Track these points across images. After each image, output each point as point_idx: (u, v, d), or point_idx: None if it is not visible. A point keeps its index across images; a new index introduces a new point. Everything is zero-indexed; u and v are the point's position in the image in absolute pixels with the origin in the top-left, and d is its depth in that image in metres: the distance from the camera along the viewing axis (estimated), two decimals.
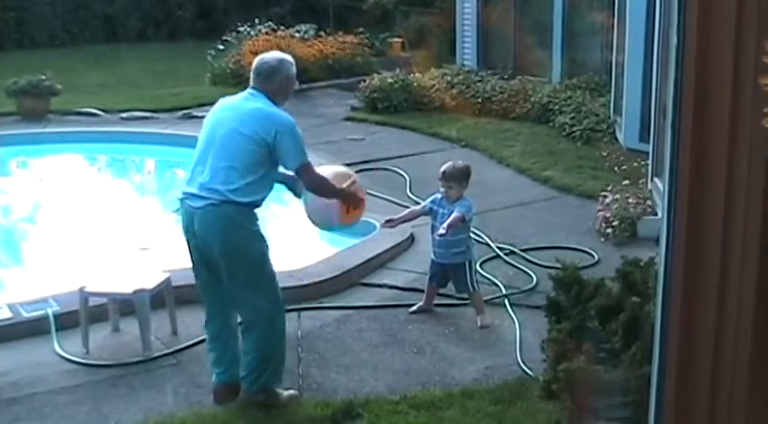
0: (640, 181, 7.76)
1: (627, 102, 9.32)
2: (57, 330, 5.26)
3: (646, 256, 4.28)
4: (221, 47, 15.11)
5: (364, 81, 12.64)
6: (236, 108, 4.39)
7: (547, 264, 6.08)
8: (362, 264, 6.33)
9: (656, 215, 6.76)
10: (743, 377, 2.34)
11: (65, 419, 4.43)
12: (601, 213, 7.10)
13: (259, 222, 4.36)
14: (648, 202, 7.09)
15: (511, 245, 6.78)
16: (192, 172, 4.36)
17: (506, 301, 5.80)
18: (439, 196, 5.58)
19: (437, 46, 15.63)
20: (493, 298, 5.82)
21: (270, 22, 15.45)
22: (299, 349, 5.15)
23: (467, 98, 12.09)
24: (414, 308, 5.66)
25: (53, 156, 11.14)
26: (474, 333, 5.38)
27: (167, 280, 5.31)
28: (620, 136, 9.61)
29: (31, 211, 9.26)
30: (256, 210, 4.35)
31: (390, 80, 12.27)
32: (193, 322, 4.76)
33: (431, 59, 14.22)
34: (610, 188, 7.45)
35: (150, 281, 5.22)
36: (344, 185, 4.72)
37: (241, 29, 15.38)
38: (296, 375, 4.82)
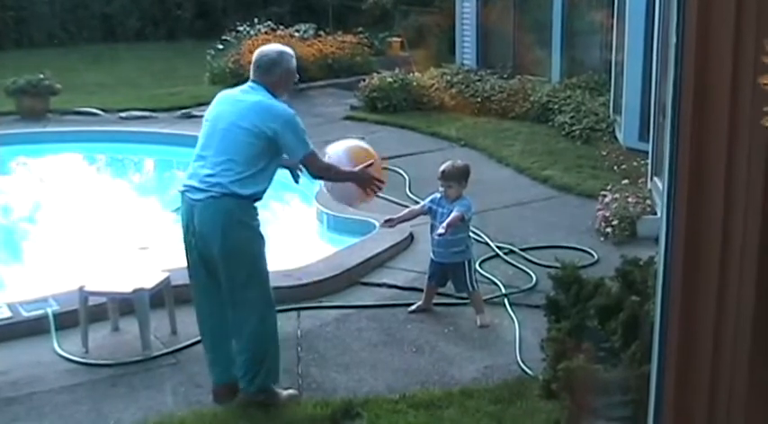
0: (640, 181, 7.76)
1: (626, 101, 9.32)
2: (56, 329, 5.26)
3: (645, 255, 4.28)
4: (221, 46, 15.11)
5: (364, 80, 12.63)
6: (236, 101, 4.40)
7: (546, 263, 6.07)
8: (362, 263, 6.32)
9: (655, 214, 6.76)
10: (742, 376, 2.34)
11: (64, 419, 4.43)
12: (600, 212, 7.10)
13: (259, 217, 4.36)
14: (648, 201, 7.09)
15: (510, 244, 6.78)
16: (193, 166, 4.36)
17: (506, 300, 5.80)
18: (438, 195, 5.58)
19: (436, 45, 15.62)
20: (492, 297, 5.82)
21: (269, 22, 15.44)
22: (299, 349, 5.15)
23: (466, 97, 12.08)
24: (413, 307, 5.66)
25: (52, 156, 11.14)
26: (473, 332, 5.38)
27: (167, 280, 5.31)
28: (620, 136, 9.61)
29: (30, 210, 9.26)
30: (257, 204, 4.35)
31: (390, 79, 12.26)
32: (193, 322, 4.76)
33: (430, 59, 14.21)
34: (609, 187, 7.45)
35: (150, 281, 5.22)
36: (358, 166, 4.71)
37: (240, 28, 15.37)
38: (295, 375, 4.82)
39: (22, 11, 19.89)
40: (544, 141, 10.18)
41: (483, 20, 13.61)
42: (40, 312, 5.38)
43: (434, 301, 5.70)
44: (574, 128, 10.22)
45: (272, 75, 4.41)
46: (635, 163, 8.28)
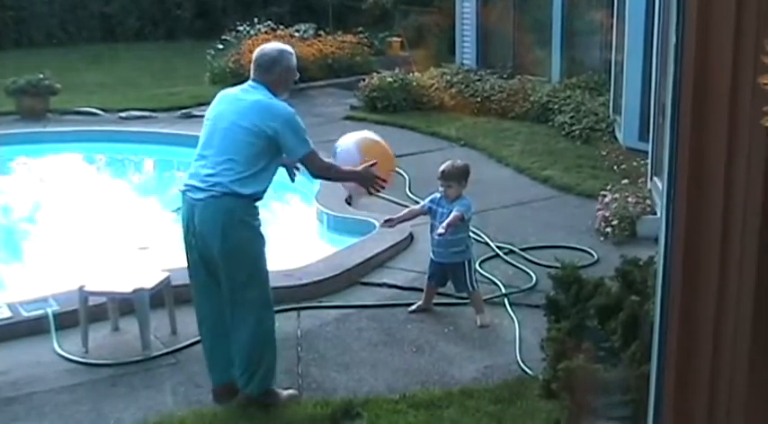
0: (640, 180, 7.76)
1: (626, 101, 9.31)
2: (56, 329, 5.26)
3: (645, 255, 4.28)
4: (220, 46, 15.11)
5: (363, 80, 12.63)
6: (237, 100, 4.39)
7: (546, 263, 6.08)
8: (362, 263, 6.32)
9: (655, 214, 6.76)
10: (742, 376, 2.34)
11: (64, 419, 4.43)
12: (600, 212, 7.10)
13: (260, 217, 4.36)
14: (648, 201, 7.09)
15: (510, 244, 6.78)
16: (194, 165, 4.36)
17: (506, 300, 5.80)
18: (438, 195, 5.57)
19: (436, 45, 15.62)
20: (492, 297, 5.82)
21: (269, 22, 15.43)
22: (299, 349, 5.15)
23: (466, 97, 12.08)
24: (413, 307, 5.66)
25: (52, 156, 11.14)
26: (473, 332, 5.38)
27: (167, 280, 5.31)
28: (620, 136, 9.61)
29: (30, 210, 9.26)
30: (258, 203, 4.35)
31: (390, 79, 12.26)
32: (193, 322, 4.76)
33: (430, 58, 14.21)
34: (609, 187, 7.45)
35: (150, 280, 5.22)
36: (368, 161, 4.71)
37: (240, 28, 15.37)
38: (295, 375, 4.82)
39: (21, 11, 19.88)
40: (544, 141, 10.18)
41: (483, 20, 13.61)
42: (40, 312, 5.38)
43: (434, 301, 5.70)
44: (574, 127, 10.22)
45: (272, 74, 4.40)
46: (635, 163, 8.28)
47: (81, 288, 5.15)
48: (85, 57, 17.67)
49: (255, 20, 15.60)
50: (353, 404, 4.40)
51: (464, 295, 5.62)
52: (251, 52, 14.65)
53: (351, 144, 4.88)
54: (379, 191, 4.76)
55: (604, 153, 9.15)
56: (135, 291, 5.09)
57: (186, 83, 14.56)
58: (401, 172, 8.86)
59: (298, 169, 4.67)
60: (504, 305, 5.72)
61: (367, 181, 4.70)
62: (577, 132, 10.12)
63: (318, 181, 8.17)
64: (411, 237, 6.86)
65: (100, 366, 4.96)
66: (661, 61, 7.38)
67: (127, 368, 4.93)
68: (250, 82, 4.44)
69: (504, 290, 5.93)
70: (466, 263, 5.53)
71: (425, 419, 4.26)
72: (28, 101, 12.02)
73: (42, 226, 8.57)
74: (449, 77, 12.64)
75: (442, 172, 5.53)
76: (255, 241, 4.34)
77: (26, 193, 9.82)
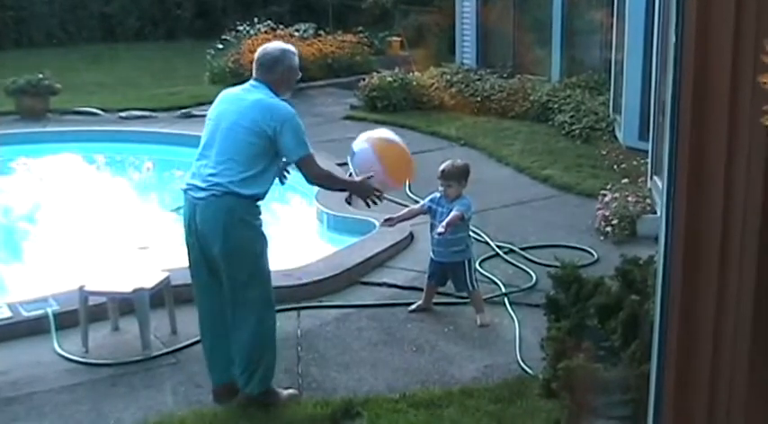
0: (640, 180, 7.76)
1: (626, 101, 9.31)
2: (56, 329, 5.26)
3: (645, 254, 4.28)
4: (220, 46, 15.11)
5: (363, 80, 12.63)
6: (238, 100, 4.39)
7: (546, 263, 6.08)
8: (362, 263, 6.32)
9: (655, 213, 6.76)
10: (742, 376, 2.34)
11: (64, 419, 4.43)
12: (600, 211, 7.10)
13: (261, 216, 4.36)
14: (648, 200, 7.09)
15: (510, 244, 6.78)
16: (196, 165, 4.36)
17: (506, 299, 5.80)
18: (438, 194, 5.57)
19: (436, 44, 15.63)
20: (492, 297, 5.82)
21: (269, 21, 15.44)
22: (299, 348, 5.15)
23: (466, 97, 12.08)
24: (413, 307, 5.66)
25: (52, 156, 11.13)
26: (473, 332, 5.38)
27: (167, 279, 5.31)
28: (620, 135, 9.61)
29: (30, 210, 9.26)
30: (259, 203, 4.35)
31: (389, 79, 12.26)
32: (193, 322, 4.76)
33: (430, 58, 14.21)
34: (609, 186, 7.45)
35: (150, 280, 5.22)
36: (385, 164, 4.70)
37: (240, 28, 15.38)
38: (295, 374, 4.82)
39: (21, 11, 19.89)
40: (544, 140, 10.18)
41: (483, 19, 13.61)
42: (40, 312, 5.38)
43: (434, 300, 5.70)
44: (574, 127, 10.22)
45: (274, 74, 4.40)
46: (635, 163, 8.28)
47: (81, 288, 5.15)
48: (85, 57, 17.67)
49: (255, 19, 15.61)
50: (353, 404, 4.40)
51: (464, 294, 5.62)
52: (251, 52, 14.58)
53: (367, 146, 4.80)
54: (376, 204, 4.72)
55: (604, 152, 9.15)
56: (135, 291, 5.09)
57: (186, 83, 14.56)
58: None
59: (288, 172, 4.64)
60: (504, 305, 5.72)
61: (364, 192, 4.66)
62: (577, 131, 10.12)
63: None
64: (411, 237, 6.86)
65: (100, 365, 4.96)
66: (661, 60, 7.38)
67: (127, 368, 4.93)
68: (252, 81, 4.43)
69: (504, 289, 5.93)
70: (466, 263, 5.53)
71: (425, 419, 4.26)
72: (28, 101, 12.01)
73: (42, 226, 8.57)
74: (449, 77, 12.64)
75: (442, 171, 5.53)
76: (256, 240, 4.34)
77: (26, 193, 9.82)
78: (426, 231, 5.84)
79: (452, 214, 5.34)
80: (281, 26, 15.20)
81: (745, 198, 2.24)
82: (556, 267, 4.63)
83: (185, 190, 4.35)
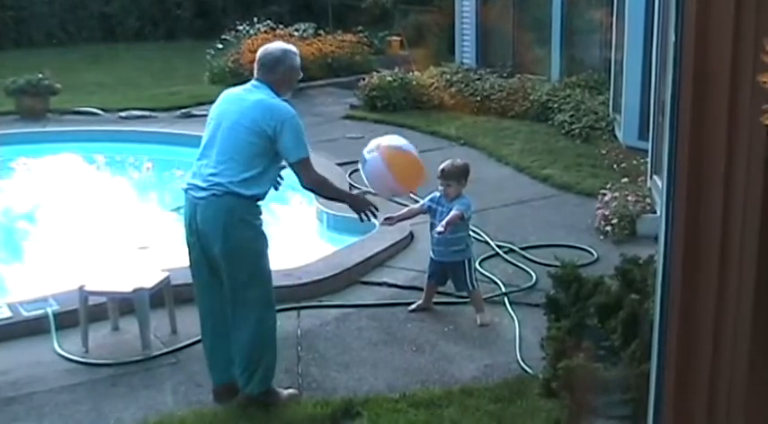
0: (639, 179, 7.75)
1: (626, 100, 9.31)
2: (56, 329, 5.26)
3: (645, 254, 4.28)
4: (220, 46, 15.11)
5: (363, 79, 12.63)
6: (239, 100, 4.39)
7: (546, 262, 6.08)
8: (362, 262, 6.32)
9: (655, 212, 6.75)
10: (742, 375, 2.34)
11: (64, 419, 4.43)
12: (600, 211, 7.10)
13: (262, 216, 4.36)
14: (648, 200, 7.09)
15: (510, 243, 6.78)
16: (197, 164, 4.37)
17: (506, 299, 5.79)
18: (438, 194, 5.57)
19: (436, 44, 15.62)
20: (492, 296, 5.82)
21: (268, 21, 15.44)
22: (299, 348, 5.14)
23: (466, 96, 12.08)
24: (413, 306, 5.66)
25: (52, 156, 11.13)
26: (473, 331, 5.38)
27: (167, 279, 5.31)
28: (620, 134, 9.61)
29: (30, 210, 9.25)
30: (260, 203, 4.35)
31: (389, 78, 12.26)
32: (193, 321, 4.76)
33: (430, 58, 14.20)
34: (609, 186, 7.45)
35: (149, 280, 5.22)
36: (397, 173, 4.77)
37: (240, 28, 15.38)
38: (295, 374, 4.82)
39: (21, 11, 19.88)
40: (544, 140, 10.18)
41: (482, 19, 13.61)
42: (40, 311, 5.38)
43: (434, 300, 5.70)
44: (573, 126, 10.22)
45: (275, 74, 4.40)
46: (634, 162, 8.28)
47: (81, 288, 5.15)
48: (85, 57, 17.67)
49: (255, 19, 15.60)
50: (353, 403, 4.40)
51: (464, 294, 5.62)
52: (250, 52, 14.53)
53: (377, 155, 4.83)
54: (369, 220, 4.72)
55: (604, 151, 9.15)
56: (135, 291, 5.09)
57: (186, 83, 14.56)
58: None
59: (281, 178, 4.63)
60: (504, 304, 5.72)
61: (358, 206, 4.64)
62: (577, 131, 10.11)
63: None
64: (411, 236, 6.86)
65: (100, 365, 4.96)
66: (661, 59, 7.38)
67: (127, 368, 4.93)
68: (253, 81, 4.44)
69: (504, 289, 5.93)
70: (466, 262, 5.53)
71: (425, 418, 4.26)
72: (28, 101, 12.01)
73: (42, 226, 8.57)
74: (448, 76, 12.64)
75: (442, 170, 5.52)
76: (257, 240, 4.34)
77: (26, 193, 9.81)
78: (426, 230, 5.84)
79: (452, 213, 5.34)
80: (281, 26, 15.20)
81: (745, 198, 2.24)
82: (556, 266, 4.63)
83: (186, 190, 4.36)
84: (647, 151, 7.96)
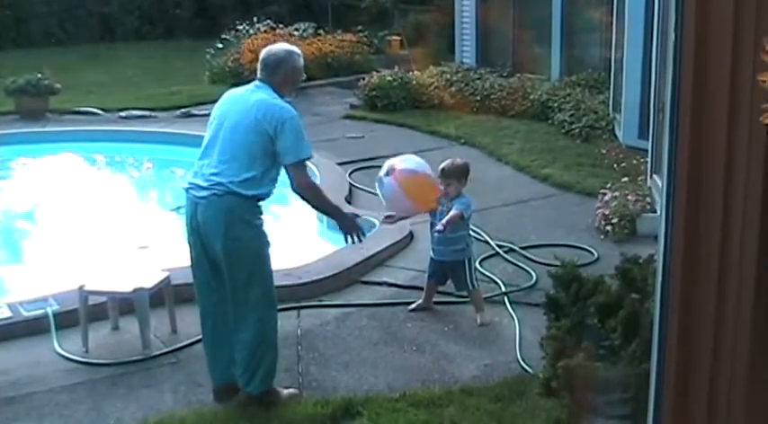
0: (639, 179, 7.75)
1: (626, 99, 9.31)
2: (56, 328, 5.26)
3: (645, 253, 4.28)
4: (220, 45, 15.11)
5: (363, 79, 12.63)
6: (241, 100, 4.40)
7: (546, 262, 6.07)
8: (362, 262, 6.32)
9: (655, 212, 6.75)
10: (742, 375, 2.34)
11: (64, 418, 4.43)
12: (600, 210, 7.10)
13: (263, 216, 4.36)
14: (648, 199, 7.09)
15: (510, 243, 6.77)
16: (198, 164, 4.37)
17: (506, 298, 5.79)
18: None
19: (436, 43, 15.61)
20: (492, 296, 5.82)
21: (268, 21, 15.44)
22: (299, 348, 5.14)
23: (465, 95, 12.08)
24: (413, 306, 5.66)
25: (52, 156, 11.13)
26: (473, 331, 5.38)
27: (167, 279, 5.31)
28: (620, 134, 9.61)
29: (30, 210, 9.25)
30: (260, 203, 4.35)
31: (389, 78, 12.26)
32: (193, 321, 4.76)
33: (429, 57, 14.20)
34: (609, 185, 7.45)
35: (149, 280, 5.22)
36: (412, 201, 4.95)
37: (239, 27, 15.38)
38: (296, 374, 4.82)
39: (20, 11, 19.89)
40: (544, 139, 10.18)
41: (482, 18, 13.61)
42: (40, 311, 5.38)
43: (434, 299, 5.70)
44: (573, 126, 10.22)
45: (278, 75, 4.40)
46: (634, 161, 8.29)
47: (81, 288, 5.15)
48: (85, 57, 17.68)
49: (255, 19, 15.61)
50: (354, 403, 4.40)
51: (464, 293, 5.62)
52: (250, 51, 14.51)
53: (394, 183, 4.94)
54: (354, 242, 4.71)
55: (604, 151, 9.15)
56: (135, 290, 5.09)
57: (186, 83, 14.56)
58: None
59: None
60: (504, 304, 5.72)
61: (346, 225, 4.65)
62: (577, 130, 10.11)
63: (317, 180, 8.18)
64: (411, 236, 6.85)
65: (100, 365, 4.96)
66: (661, 59, 7.38)
67: (127, 368, 4.93)
68: (256, 82, 4.44)
69: (504, 289, 5.93)
70: (466, 261, 5.52)
71: (425, 418, 4.26)
72: (27, 101, 12.01)
73: (42, 226, 8.57)
74: (448, 76, 12.64)
75: (442, 169, 5.52)
76: (257, 240, 4.34)
77: (26, 193, 9.81)
78: (426, 230, 5.84)
79: (452, 212, 5.34)
80: (281, 25, 15.20)
81: (745, 197, 2.24)
82: (556, 266, 4.63)
83: (187, 189, 4.36)
84: (646, 150, 7.96)
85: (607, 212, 6.99)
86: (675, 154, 2.36)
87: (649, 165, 7.73)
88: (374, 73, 12.66)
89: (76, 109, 12.41)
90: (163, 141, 10.91)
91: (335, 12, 18.67)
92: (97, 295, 5.26)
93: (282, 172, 4.40)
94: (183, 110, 12.36)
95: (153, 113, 12.40)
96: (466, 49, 13.79)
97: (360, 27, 15.89)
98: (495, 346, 5.17)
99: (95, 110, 12.41)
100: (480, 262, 6.31)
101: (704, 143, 2.30)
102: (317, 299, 5.84)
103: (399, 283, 6.10)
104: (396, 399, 4.44)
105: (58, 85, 12.23)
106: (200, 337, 4.68)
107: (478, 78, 12.41)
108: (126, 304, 5.28)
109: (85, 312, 5.13)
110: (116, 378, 4.82)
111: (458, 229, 5.42)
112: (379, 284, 6.12)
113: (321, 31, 15.51)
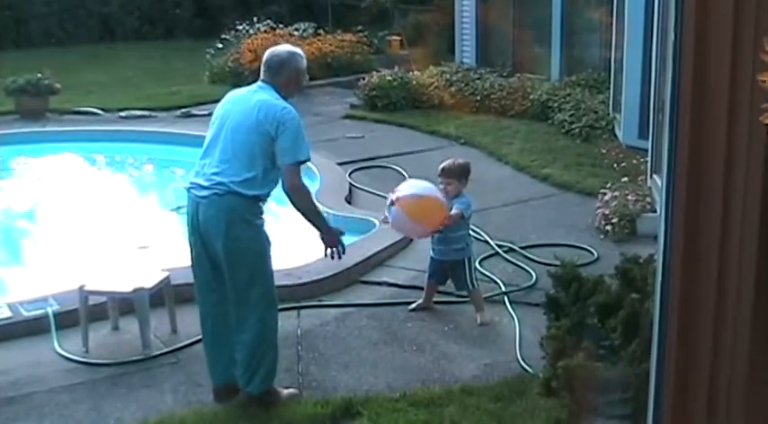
0: (639, 178, 7.76)
1: (626, 99, 9.32)
2: (56, 328, 5.26)
3: (645, 253, 4.28)
4: (220, 45, 15.12)
5: (363, 79, 12.63)
6: (243, 100, 4.40)
7: (546, 261, 6.07)
8: (362, 262, 6.32)
9: (655, 212, 6.75)
10: (742, 374, 2.34)
11: (64, 418, 4.43)
12: (600, 210, 7.10)
13: (263, 216, 4.36)
14: (648, 199, 7.09)
15: (510, 243, 6.77)
16: (199, 164, 4.38)
17: (506, 298, 5.79)
18: None
19: (436, 43, 15.62)
20: (492, 295, 5.82)
21: (268, 21, 15.44)
22: (299, 347, 5.15)
23: (465, 95, 12.08)
24: (413, 306, 5.66)
25: (52, 155, 11.13)
26: (473, 330, 5.38)
27: (167, 279, 5.31)
28: (620, 133, 9.61)
29: (30, 210, 9.25)
30: (261, 203, 4.35)
31: (389, 78, 12.26)
32: (193, 321, 4.76)
33: (429, 57, 14.20)
34: (609, 185, 7.45)
35: (150, 280, 5.22)
36: (423, 226, 5.21)
37: (239, 27, 15.38)
38: (296, 374, 4.82)
39: (20, 11, 19.89)
40: (544, 139, 10.19)
41: (482, 18, 13.61)
42: (40, 311, 5.38)
43: (434, 299, 5.70)
44: (573, 125, 10.22)
45: (280, 76, 4.41)
46: (634, 161, 8.29)
47: (81, 288, 5.15)
48: (84, 57, 17.68)
49: (255, 19, 15.61)
50: (354, 403, 4.40)
51: (464, 293, 5.62)
52: (250, 51, 14.50)
53: (398, 210, 5.08)
54: (333, 258, 4.72)
55: (604, 150, 9.15)
56: (135, 290, 5.09)
57: (185, 83, 14.56)
58: (401, 170, 8.89)
59: None
60: (504, 304, 5.72)
61: (330, 241, 4.67)
62: (577, 130, 10.11)
63: (318, 180, 8.19)
64: None
65: (100, 365, 4.96)
66: (660, 58, 7.38)
67: (127, 368, 4.93)
68: (259, 82, 4.45)
69: (504, 288, 5.93)
70: (466, 261, 5.53)
71: (426, 418, 4.26)
72: (27, 101, 12.01)
73: (42, 226, 8.57)
74: (448, 76, 12.64)
75: (443, 169, 5.52)
76: (258, 240, 4.34)
77: (26, 193, 9.81)
78: None
79: (452, 212, 5.34)
80: (281, 25, 15.20)
81: (745, 197, 2.24)
82: (556, 265, 4.63)
83: (188, 189, 4.37)
84: (646, 150, 7.96)
85: (607, 212, 6.99)
86: (675, 152, 2.36)
87: (649, 165, 7.73)
88: (374, 73, 12.66)
89: (76, 109, 12.41)
90: (163, 141, 10.91)
91: (335, 12, 18.67)
92: (97, 295, 5.26)
93: None
94: (182, 110, 12.36)
95: (153, 113, 12.40)
96: (466, 49, 13.79)
97: (360, 27, 15.89)
98: (495, 346, 5.17)
99: (95, 110, 12.41)
100: (480, 262, 6.31)
101: (704, 141, 2.30)
102: (317, 299, 5.84)
103: (399, 283, 6.10)
104: (396, 399, 4.44)
105: (58, 85, 12.23)
106: (200, 337, 4.68)
107: (478, 78, 12.42)
108: (126, 304, 5.28)
109: (85, 312, 5.13)
110: (116, 378, 4.82)
111: (458, 229, 5.42)
112: (379, 284, 6.12)
113: (321, 31, 15.51)
